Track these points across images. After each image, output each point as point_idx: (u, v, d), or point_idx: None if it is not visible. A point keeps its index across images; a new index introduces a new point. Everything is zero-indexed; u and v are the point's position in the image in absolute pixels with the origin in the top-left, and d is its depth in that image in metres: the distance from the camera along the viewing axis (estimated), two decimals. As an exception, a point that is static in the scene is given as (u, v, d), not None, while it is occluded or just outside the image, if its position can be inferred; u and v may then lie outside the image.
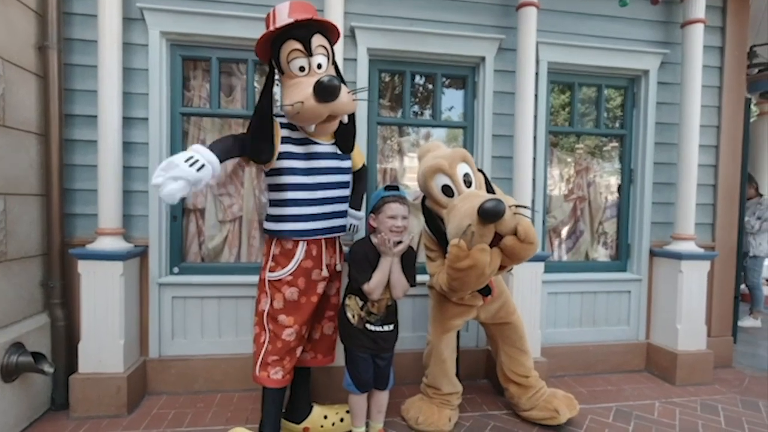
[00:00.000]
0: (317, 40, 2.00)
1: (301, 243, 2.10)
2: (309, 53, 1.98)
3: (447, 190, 2.11)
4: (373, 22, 2.90)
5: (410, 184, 3.30)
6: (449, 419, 2.47)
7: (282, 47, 1.98)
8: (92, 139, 2.65)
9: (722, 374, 3.32)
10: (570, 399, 2.52)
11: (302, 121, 1.99)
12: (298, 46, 1.96)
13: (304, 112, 1.92)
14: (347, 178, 2.26)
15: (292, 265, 2.09)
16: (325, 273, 2.15)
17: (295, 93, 1.93)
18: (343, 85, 1.97)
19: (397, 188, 2.20)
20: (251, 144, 2.00)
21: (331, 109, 1.94)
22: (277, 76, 2.12)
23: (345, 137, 2.18)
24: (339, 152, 2.19)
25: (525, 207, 2.04)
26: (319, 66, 2.02)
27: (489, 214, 1.86)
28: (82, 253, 2.48)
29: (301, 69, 1.99)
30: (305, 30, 1.96)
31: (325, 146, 2.15)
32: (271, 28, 1.97)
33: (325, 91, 1.86)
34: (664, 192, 3.37)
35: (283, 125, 2.08)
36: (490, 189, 2.26)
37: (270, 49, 2.04)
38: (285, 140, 2.06)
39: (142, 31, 2.70)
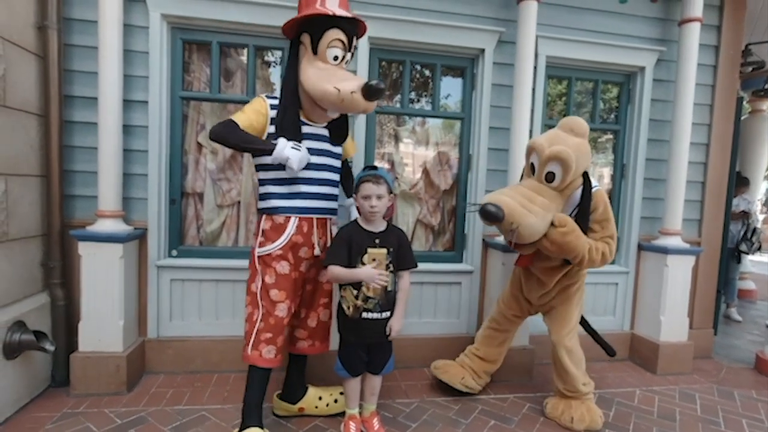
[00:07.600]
0: (354, 40, 2.15)
1: (293, 218, 2.15)
2: (348, 48, 2.11)
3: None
4: (373, 10, 2.90)
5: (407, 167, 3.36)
6: (462, 377, 2.72)
7: (326, 32, 2.04)
8: (92, 121, 2.65)
9: (701, 365, 3.45)
10: (593, 413, 2.48)
11: (338, 108, 2.08)
12: (343, 38, 2.06)
13: (348, 102, 2.00)
14: (338, 163, 2.32)
15: (282, 239, 2.13)
16: (317, 251, 2.21)
17: (335, 81, 1.99)
18: None
19: (375, 168, 2.20)
20: (283, 123, 2.10)
21: (368, 108, 2.08)
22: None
23: (339, 126, 2.27)
24: (329, 137, 2.25)
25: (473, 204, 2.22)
26: (346, 61, 2.17)
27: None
28: (82, 235, 2.51)
29: (335, 58, 2.09)
30: (352, 27, 2.10)
31: (318, 128, 2.20)
32: (318, 7, 2.01)
33: (375, 94, 1.99)
34: (654, 187, 3.45)
35: (273, 107, 2.12)
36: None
37: (298, 27, 2.10)
38: (275, 121, 2.11)
39: (143, 13, 2.69)
